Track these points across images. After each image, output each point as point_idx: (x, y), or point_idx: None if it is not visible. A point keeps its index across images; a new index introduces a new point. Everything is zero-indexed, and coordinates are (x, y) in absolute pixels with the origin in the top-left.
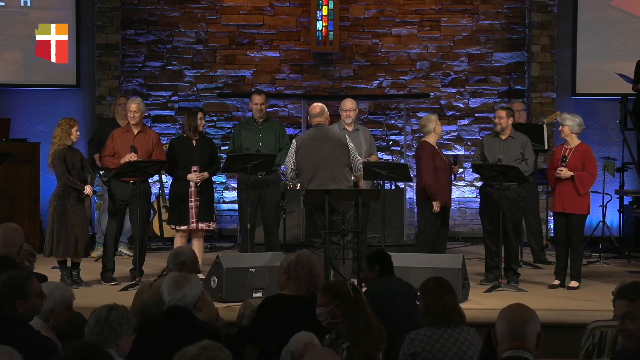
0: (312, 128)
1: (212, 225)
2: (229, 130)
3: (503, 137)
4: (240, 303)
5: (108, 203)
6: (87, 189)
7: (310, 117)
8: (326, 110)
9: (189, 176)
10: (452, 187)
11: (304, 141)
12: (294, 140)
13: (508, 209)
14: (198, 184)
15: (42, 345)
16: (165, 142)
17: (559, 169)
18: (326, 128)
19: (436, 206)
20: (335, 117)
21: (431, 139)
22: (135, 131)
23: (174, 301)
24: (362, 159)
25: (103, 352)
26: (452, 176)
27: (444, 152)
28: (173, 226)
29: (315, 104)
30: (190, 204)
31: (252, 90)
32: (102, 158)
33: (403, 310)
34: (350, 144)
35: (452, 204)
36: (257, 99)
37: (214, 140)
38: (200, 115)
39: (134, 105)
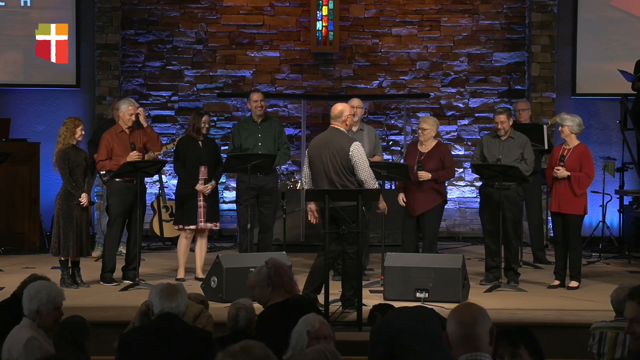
0: (324, 132)
1: (218, 225)
2: (229, 130)
3: (503, 138)
4: None
5: (108, 204)
6: (84, 198)
7: (331, 118)
8: (346, 112)
9: (198, 187)
10: (452, 187)
11: (311, 148)
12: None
13: (508, 208)
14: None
15: None
16: (165, 142)
17: (555, 168)
18: (335, 133)
19: (398, 198)
20: None
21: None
22: (128, 130)
23: (167, 309)
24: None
25: None
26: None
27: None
28: (180, 226)
29: (337, 104)
30: (199, 203)
31: (252, 90)
32: (98, 163)
33: (410, 338)
34: (357, 154)
35: (423, 211)
36: (256, 96)
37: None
38: (205, 118)
39: (133, 108)
